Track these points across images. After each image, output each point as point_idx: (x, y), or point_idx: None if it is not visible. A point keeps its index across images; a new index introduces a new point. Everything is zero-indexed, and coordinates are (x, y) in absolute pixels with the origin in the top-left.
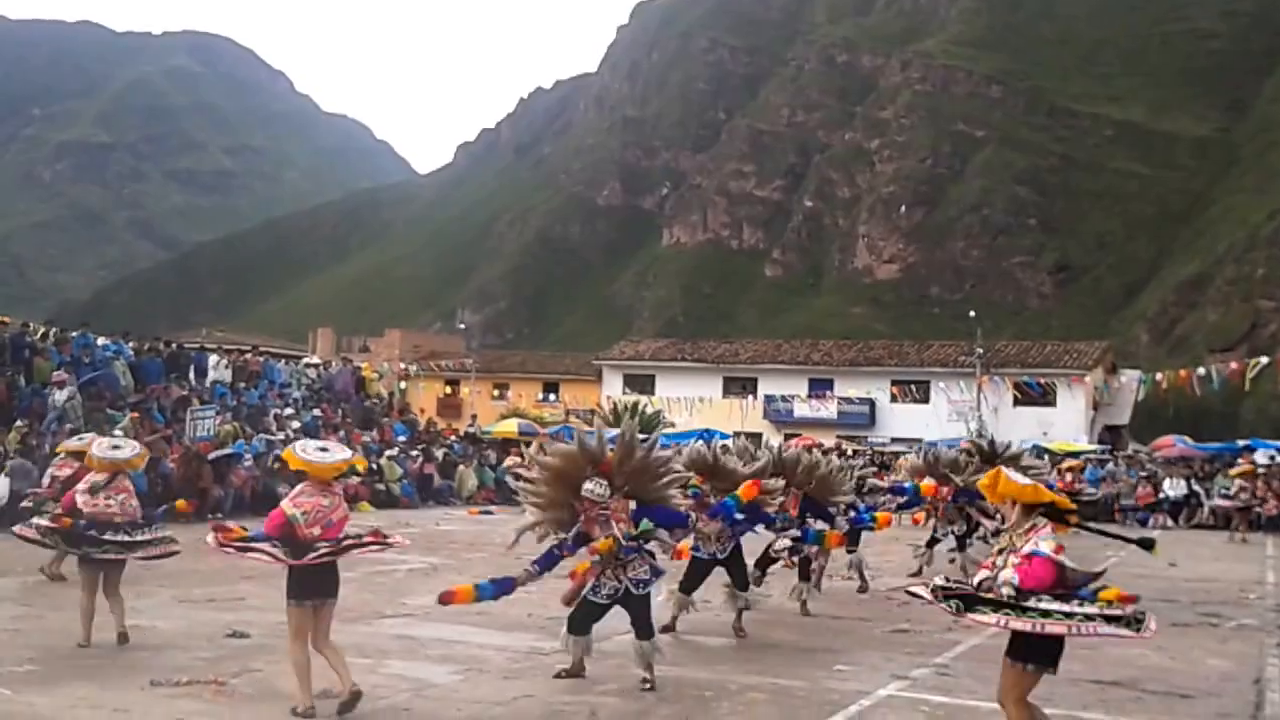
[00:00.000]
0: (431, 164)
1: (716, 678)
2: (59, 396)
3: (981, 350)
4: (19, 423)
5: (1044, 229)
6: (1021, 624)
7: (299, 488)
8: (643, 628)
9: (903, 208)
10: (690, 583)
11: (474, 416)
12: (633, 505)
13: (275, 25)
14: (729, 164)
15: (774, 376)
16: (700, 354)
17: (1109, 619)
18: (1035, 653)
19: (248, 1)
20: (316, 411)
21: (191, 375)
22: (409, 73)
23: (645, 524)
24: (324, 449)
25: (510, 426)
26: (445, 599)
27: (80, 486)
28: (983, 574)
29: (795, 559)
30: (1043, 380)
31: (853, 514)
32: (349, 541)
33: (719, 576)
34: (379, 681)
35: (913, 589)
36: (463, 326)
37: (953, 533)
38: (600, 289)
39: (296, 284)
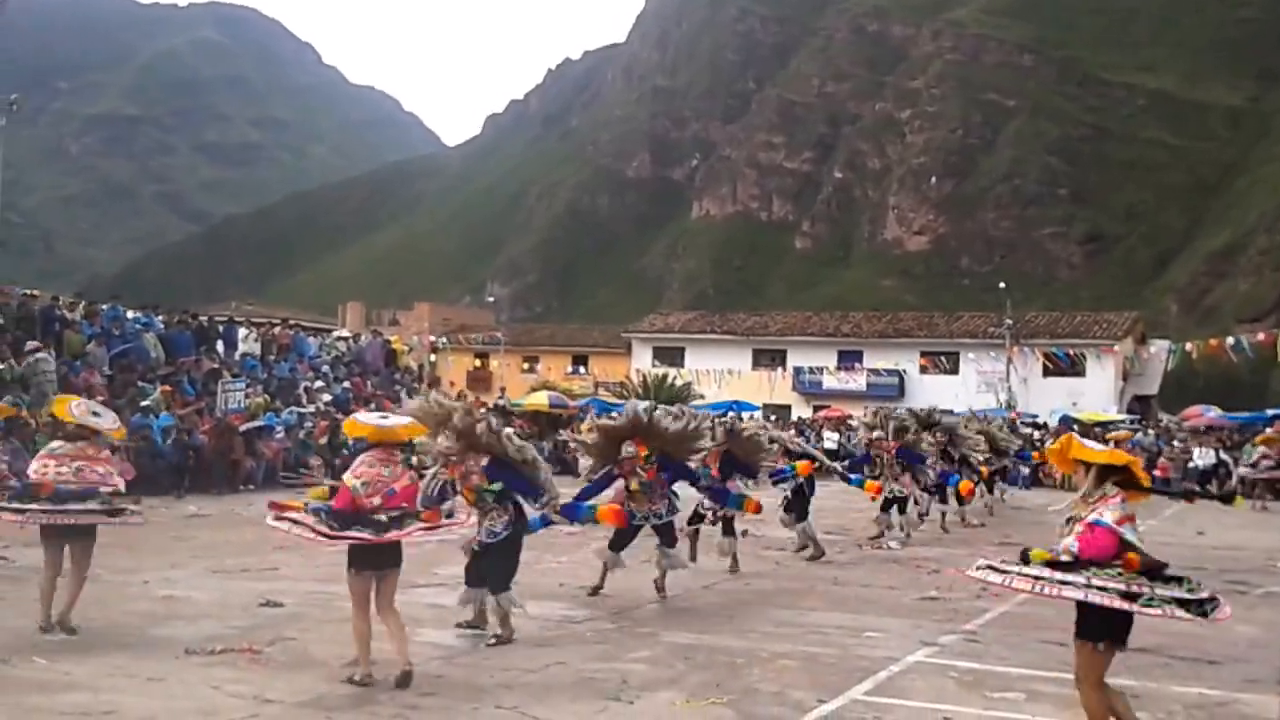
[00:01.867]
0: (460, 136)
1: (748, 645)
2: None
3: (1011, 321)
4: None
5: (1075, 200)
6: (1075, 592)
7: (360, 458)
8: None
9: (933, 179)
10: (619, 542)
11: (503, 389)
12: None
13: None
14: (759, 135)
15: (803, 348)
16: (729, 326)
17: (1182, 603)
18: (1104, 630)
19: None
20: (347, 384)
21: (221, 348)
22: (437, 44)
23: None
24: (384, 417)
25: (540, 399)
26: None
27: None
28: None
29: (717, 517)
30: (1072, 351)
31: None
32: (394, 534)
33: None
34: (412, 650)
35: (979, 574)
36: (492, 299)
37: (895, 491)
38: (630, 262)
39: (325, 257)
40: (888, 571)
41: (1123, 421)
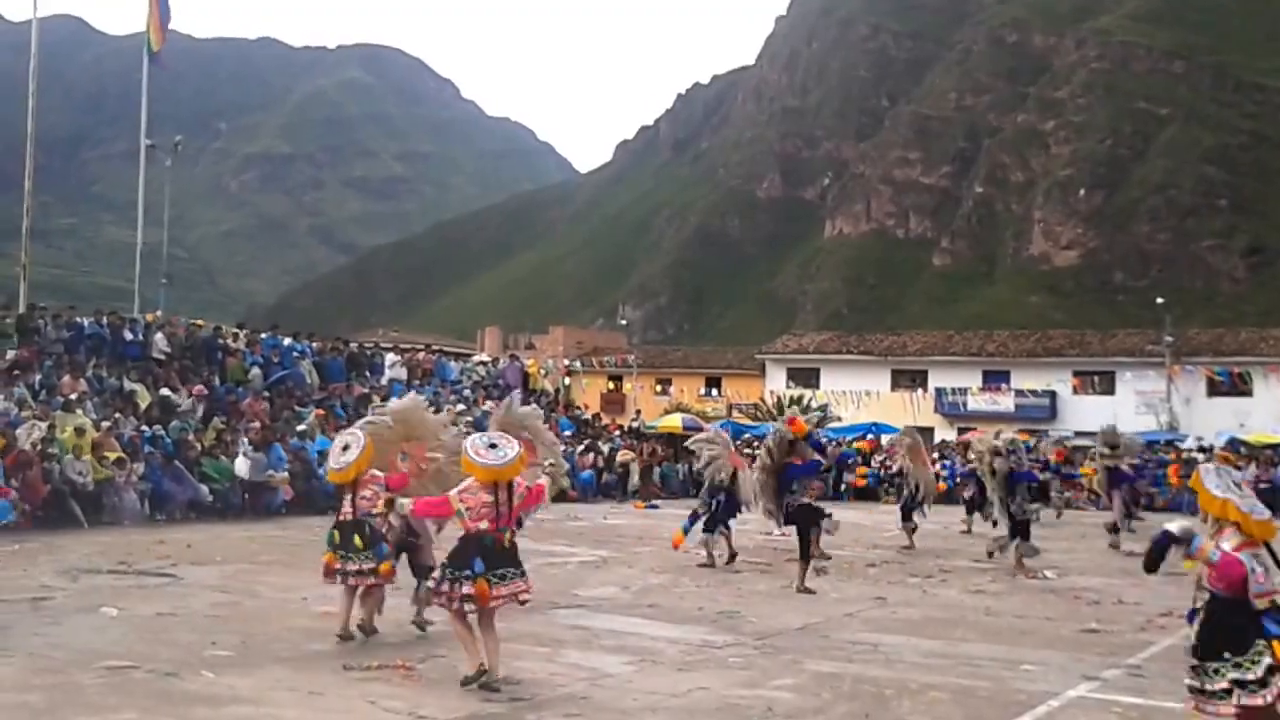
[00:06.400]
0: (592, 163)
1: (896, 676)
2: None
3: (1171, 338)
4: (215, 420)
5: (1235, 210)
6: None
7: (465, 483)
8: None
9: (1082, 191)
10: None
11: (638, 411)
12: None
13: (442, 34)
14: (893, 151)
15: (945, 369)
16: (866, 346)
17: None
18: None
19: (416, 13)
20: (487, 406)
21: (369, 374)
22: (570, 74)
23: None
24: (493, 445)
25: (674, 421)
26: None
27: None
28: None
29: None
30: (1237, 369)
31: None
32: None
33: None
34: (556, 670)
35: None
36: (624, 322)
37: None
38: (760, 282)
39: (464, 284)
40: (1044, 602)
41: None
